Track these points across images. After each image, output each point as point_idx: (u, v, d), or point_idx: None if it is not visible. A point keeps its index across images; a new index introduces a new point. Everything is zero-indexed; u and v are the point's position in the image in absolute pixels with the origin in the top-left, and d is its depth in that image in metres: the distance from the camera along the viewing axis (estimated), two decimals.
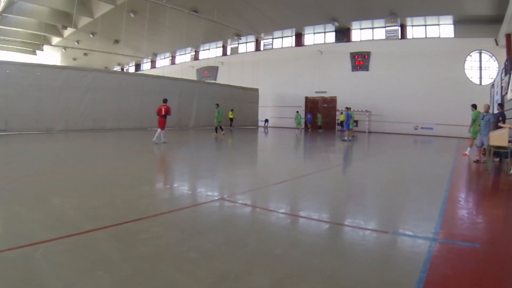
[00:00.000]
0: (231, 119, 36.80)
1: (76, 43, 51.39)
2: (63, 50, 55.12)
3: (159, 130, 18.01)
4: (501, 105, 15.73)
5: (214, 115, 25.36)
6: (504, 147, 11.22)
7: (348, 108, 24.38)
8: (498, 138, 11.35)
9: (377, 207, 6.74)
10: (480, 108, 15.08)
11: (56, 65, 28.93)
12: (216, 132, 25.48)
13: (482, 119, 13.44)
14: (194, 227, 4.93)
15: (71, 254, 3.85)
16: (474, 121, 15.89)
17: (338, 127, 38.45)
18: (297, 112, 37.78)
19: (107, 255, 3.86)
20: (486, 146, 13.02)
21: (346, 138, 23.36)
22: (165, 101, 19.09)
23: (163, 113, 18.26)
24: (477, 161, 13.72)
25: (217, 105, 25.33)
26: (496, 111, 17.59)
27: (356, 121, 32.07)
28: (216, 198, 6.83)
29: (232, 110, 36.82)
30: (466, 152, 16.52)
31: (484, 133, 13.21)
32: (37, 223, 4.92)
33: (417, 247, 4.48)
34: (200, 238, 4.48)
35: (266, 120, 42.80)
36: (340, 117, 35.73)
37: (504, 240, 5.00)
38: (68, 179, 8.25)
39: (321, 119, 39.42)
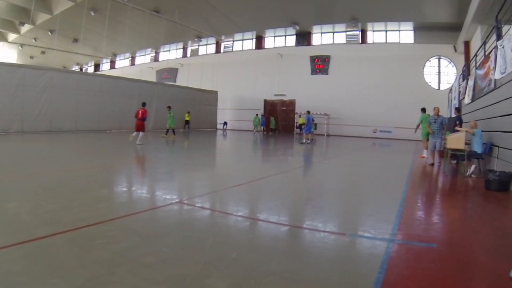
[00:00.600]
0: (187, 121, 36.58)
1: (33, 41, 49.87)
2: (20, 48, 53.51)
3: (141, 133, 18.51)
4: (458, 109, 16.42)
5: (166, 118, 25.04)
6: (461, 150, 11.52)
7: (308, 112, 24.62)
8: (455, 141, 11.67)
9: (334, 209, 6.83)
10: (430, 112, 15.49)
11: (12, 63, 28.02)
12: (166, 134, 24.64)
13: (434, 122, 13.60)
14: (151, 231, 4.90)
15: (25, 261, 3.75)
16: (419, 124, 17.41)
17: (296, 130, 38.78)
18: (257, 114, 37.98)
19: (62, 261, 3.78)
20: (438, 149, 13.58)
21: (304, 140, 23.60)
22: (143, 104, 19.45)
23: (140, 116, 18.71)
24: (432, 165, 13.75)
25: (169, 107, 25.13)
26: (453, 115, 18.21)
27: (315, 124, 32.44)
28: (174, 201, 6.77)
29: (188, 112, 36.60)
30: (424, 155, 17.17)
31: (437, 136, 13.57)
32: None
33: (375, 248, 4.56)
34: (157, 242, 4.46)
35: (225, 123, 42.74)
36: (299, 120, 36.13)
37: (461, 240, 5.14)
38: (24, 183, 8.01)
39: (274, 122, 39.73)
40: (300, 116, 36.11)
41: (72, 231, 4.74)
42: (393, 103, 34.34)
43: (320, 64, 39.68)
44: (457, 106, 21.09)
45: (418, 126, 17.60)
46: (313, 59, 40.05)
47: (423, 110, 17.85)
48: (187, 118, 36.44)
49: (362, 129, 36.48)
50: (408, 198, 7.78)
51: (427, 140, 16.77)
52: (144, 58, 57.15)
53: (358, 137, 35.22)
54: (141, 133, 18.43)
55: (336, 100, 37.61)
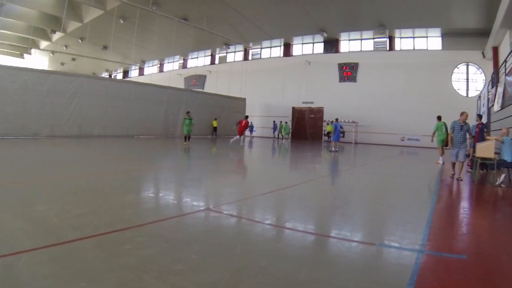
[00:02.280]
0: (215, 128, 36.76)
1: (64, 48, 51.15)
2: (51, 55, 54.91)
3: (238, 137, 25.47)
4: (480, 116, 16.03)
5: (186, 123, 23.38)
6: (490, 159, 11.33)
7: (336, 120, 24.46)
8: (484, 150, 11.48)
9: (363, 218, 6.73)
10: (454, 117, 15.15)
11: (44, 70, 28.66)
12: (188, 140, 23.20)
13: (460, 129, 12.14)
14: (179, 238, 4.89)
15: (54, 264, 3.78)
16: (435, 132, 17.79)
17: (324, 138, 38.59)
18: (285, 122, 38.08)
19: (90, 266, 3.80)
20: (461, 160, 12.23)
21: (333, 148, 23.39)
22: (246, 117, 25.98)
23: (242, 124, 25.30)
24: (452, 176, 12.45)
25: (188, 113, 23.96)
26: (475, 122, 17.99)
27: (343, 132, 32.20)
28: (201, 208, 6.78)
29: (216, 118, 36.79)
30: (439, 161, 17.77)
31: (461, 145, 12.24)
32: (20, 231, 4.83)
33: (404, 259, 4.47)
34: (185, 249, 4.44)
35: (251, 127, 42.54)
36: (327, 128, 35.95)
37: (491, 251, 5.01)
38: (53, 186, 8.14)
39: (289, 129, 39.53)
40: (328, 124, 35.91)
41: (100, 235, 4.77)
42: (421, 110, 33.85)
43: (348, 71, 39.47)
44: (479, 113, 20.75)
45: (434, 134, 17.97)
46: (341, 66, 39.86)
47: (439, 118, 18.29)
48: (215, 125, 36.63)
49: (389, 137, 36.07)
50: (437, 207, 7.66)
51: (443, 147, 17.72)
52: (172, 65, 57.79)
53: (386, 145, 34.81)
54: (239, 137, 25.30)
55: (364, 107, 37.35)
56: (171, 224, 5.60)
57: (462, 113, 12.26)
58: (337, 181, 12.10)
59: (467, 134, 12.31)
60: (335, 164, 17.12)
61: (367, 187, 10.72)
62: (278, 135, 40.36)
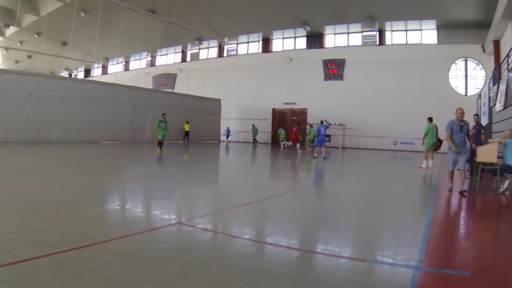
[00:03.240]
0: (187, 132, 36.65)
1: (19, 44, 50.40)
2: (4, 51, 54.07)
3: (291, 143, 30.02)
4: (477, 116, 16.16)
5: (162, 127, 22.97)
6: (492, 164, 11.31)
7: (322, 122, 24.24)
8: (486, 154, 11.41)
9: (353, 231, 6.74)
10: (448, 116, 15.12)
11: None
12: (159, 147, 22.64)
13: (460, 130, 10.69)
14: (148, 255, 4.85)
15: (8, 286, 3.73)
16: (426, 134, 18.19)
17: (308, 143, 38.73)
18: (311, 126, 37.76)
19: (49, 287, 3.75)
20: (462, 167, 10.81)
21: (315, 155, 23.24)
22: (298, 124, 29.36)
23: (294, 130, 28.73)
24: (450, 190, 11.05)
25: (164, 115, 23.51)
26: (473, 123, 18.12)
27: (328, 136, 32.24)
28: (173, 222, 6.75)
29: (188, 122, 36.68)
30: (423, 165, 18.42)
31: (462, 150, 10.78)
32: None
33: (399, 277, 4.47)
34: (155, 268, 4.41)
35: (228, 132, 42.99)
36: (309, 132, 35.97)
37: (497, 266, 4.99)
38: (8, 198, 8.01)
39: (284, 134, 39.78)
40: (311, 126, 35.87)
41: (60, 253, 4.70)
42: (415, 111, 33.98)
43: (334, 68, 39.70)
44: (477, 113, 20.90)
45: (425, 136, 18.34)
46: (326, 63, 40.08)
47: (430, 119, 18.66)
48: (186, 129, 36.51)
49: (380, 140, 36.32)
50: (435, 218, 7.70)
51: (429, 150, 18.26)
52: (139, 62, 57.60)
53: (376, 149, 35.11)
54: (291, 142, 29.59)
55: (352, 108, 37.55)
56: (139, 240, 5.54)
57: (457, 110, 10.83)
58: (324, 190, 12.15)
59: (467, 135, 10.94)
60: (320, 171, 17.19)
61: (356, 196, 10.80)
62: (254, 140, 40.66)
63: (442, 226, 7.32)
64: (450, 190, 11.01)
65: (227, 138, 42.81)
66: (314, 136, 27.78)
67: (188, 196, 9.74)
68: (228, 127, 43.08)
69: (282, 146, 33.71)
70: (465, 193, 10.47)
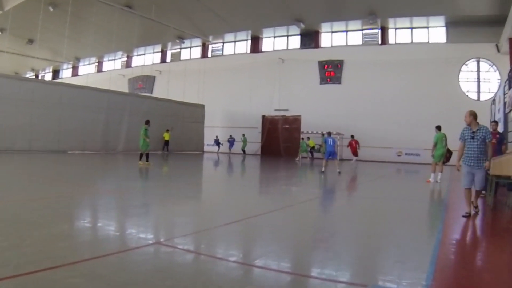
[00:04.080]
0: (167, 142, 36.58)
1: None
2: None
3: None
4: (496, 124, 15.63)
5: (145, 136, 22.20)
6: (508, 177, 10.83)
7: (329, 133, 23.95)
8: (502, 166, 10.75)
9: (352, 253, 6.70)
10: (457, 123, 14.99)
11: None
12: (141, 159, 22.06)
13: (472, 138, 9.69)
14: (123, 279, 4.81)
15: None
16: (435, 145, 17.92)
17: (303, 154, 38.65)
18: (302, 138, 37.45)
19: None
20: (478, 187, 9.87)
21: (323, 169, 22.71)
22: (352, 137, 30.46)
23: (354, 144, 31.56)
24: (467, 216, 9.69)
25: (147, 122, 22.52)
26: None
27: (313, 147, 32.43)
28: (150, 241, 6.72)
29: (168, 130, 36.63)
30: (430, 179, 18.22)
31: (478, 162, 9.65)
32: None
33: None
34: None
35: (217, 142, 43.00)
36: (309, 143, 35.96)
37: None
38: None
39: (245, 142, 40.15)
40: (308, 138, 35.86)
41: (23, 276, 4.64)
42: (421, 118, 34.00)
43: (331, 71, 39.78)
44: (502, 120, 20.86)
45: (434, 147, 18.13)
46: (322, 65, 40.16)
47: (439, 128, 18.49)
48: (166, 138, 36.45)
49: (383, 151, 36.40)
50: (444, 239, 7.67)
51: (438, 163, 18.12)
52: (113, 63, 57.54)
53: (378, 161, 35.19)
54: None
55: (351, 116, 37.59)
56: (113, 262, 5.50)
57: (466, 114, 9.99)
58: (320, 207, 12.17)
59: (485, 144, 9.64)
60: (316, 187, 17.20)
61: (356, 214, 10.79)
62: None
63: (452, 247, 7.27)
64: (467, 216, 9.65)
65: (218, 148, 42.86)
66: (313, 148, 28.05)
67: (168, 213, 9.72)
68: (217, 136, 43.02)
69: (297, 159, 33.87)
70: (476, 210, 10.02)
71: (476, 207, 10.16)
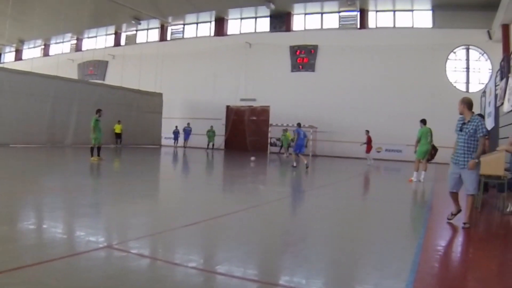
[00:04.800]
0: (118, 135, 36.27)
1: None
2: None
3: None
4: (482, 116, 15.41)
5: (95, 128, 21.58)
6: (499, 177, 10.74)
7: (299, 125, 24.14)
8: (491, 165, 10.57)
9: (325, 259, 6.74)
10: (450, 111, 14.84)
11: None
12: (93, 154, 21.46)
13: (461, 130, 9.07)
14: (70, 287, 4.81)
15: None
16: (419, 140, 17.83)
17: (272, 149, 38.66)
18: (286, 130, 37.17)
19: None
20: (470, 191, 8.95)
21: (294, 164, 23.08)
22: (367, 132, 29.77)
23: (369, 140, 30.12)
24: (451, 217, 9.48)
25: (99, 111, 21.97)
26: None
27: (292, 140, 32.26)
28: (100, 245, 6.67)
29: (119, 121, 36.35)
30: (413, 178, 18.08)
31: (463, 159, 8.92)
32: None
33: None
34: None
35: (176, 133, 42.22)
36: (286, 135, 35.67)
37: None
38: None
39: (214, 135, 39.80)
40: (286, 131, 35.42)
41: None
42: (404, 111, 34.04)
43: (303, 57, 39.76)
44: (492, 113, 20.88)
45: (418, 142, 18.07)
46: (294, 50, 40.15)
47: (423, 122, 18.31)
48: (117, 130, 36.12)
49: (361, 147, 35.67)
50: (426, 244, 7.62)
51: (422, 160, 18.07)
52: (61, 46, 56.83)
53: (355, 158, 35.03)
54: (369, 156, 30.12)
55: (326, 107, 37.61)
56: (59, 268, 5.45)
57: (462, 101, 9.24)
58: (290, 208, 12.25)
59: (475, 137, 8.86)
60: (287, 185, 17.28)
61: (330, 216, 10.84)
62: (208, 145, 40.33)
63: (435, 253, 7.28)
64: (450, 219, 9.45)
65: (176, 141, 42.43)
66: (292, 141, 27.94)
67: (121, 214, 9.67)
68: (177, 127, 42.71)
69: (286, 155, 33.85)
70: (466, 226, 8.89)
71: (465, 223, 8.92)
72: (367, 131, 29.58)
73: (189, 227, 8.31)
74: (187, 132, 41.49)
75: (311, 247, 7.43)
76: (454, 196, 9.26)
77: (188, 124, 41.87)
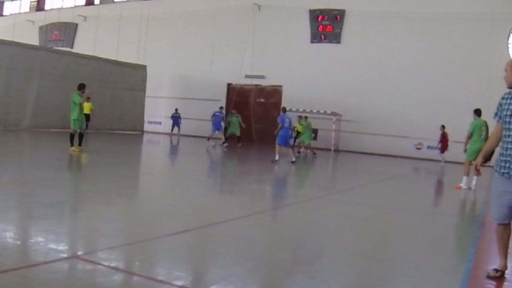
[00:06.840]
0: (87, 116, 36.16)
1: None
2: None
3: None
4: None
5: (69, 108, 21.99)
6: None
7: (284, 110, 23.99)
8: None
9: (345, 283, 6.71)
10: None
11: None
12: (73, 143, 21.22)
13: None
14: None
15: None
16: (471, 136, 17.19)
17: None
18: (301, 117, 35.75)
19: None
20: None
21: (276, 158, 22.77)
22: (443, 127, 29.82)
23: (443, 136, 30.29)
24: (492, 276, 7.23)
25: (83, 87, 22.78)
26: None
27: (314, 131, 31.82)
28: (64, 255, 6.70)
29: (89, 98, 36.25)
30: (462, 184, 17.61)
31: None
32: None
33: None
34: None
35: (174, 117, 41.10)
36: (297, 127, 35.24)
37: None
38: None
39: (237, 124, 38.51)
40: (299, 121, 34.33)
41: None
42: (452, 98, 33.62)
43: (327, 24, 39.27)
44: None
45: (469, 138, 17.49)
46: (316, 15, 39.70)
47: (477, 112, 17.85)
48: (87, 111, 36.04)
49: (396, 142, 35.96)
50: (477, 269, 7.53)
51: (471, 163, 16.54)
52: (18, 4, 56.85)
53: (389, 155, 35.00)
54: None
55: (353, 89, 37.26)
56: (12, 282, 5.47)
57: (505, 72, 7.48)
58: (302, 216, 12.13)
59: None
60: (299, 187, 17.24)
61: (353, 228, 10.77)
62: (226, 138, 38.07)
63: (488, 283, 6.94)
64: (492, 276, 6.91)
65: (176, 127, 41.12)
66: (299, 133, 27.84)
67: (92, 216, 9.69)
68: (176, 110, 41.29)
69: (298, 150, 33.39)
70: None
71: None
72: (443, 126, 29.42)
73: (178, 235, 8.33)
74: (175, 119, 40.62)
75: (329, 267, 7.41)
76: (507, 231, 6.86)
77: (176, 110, 41.03)
